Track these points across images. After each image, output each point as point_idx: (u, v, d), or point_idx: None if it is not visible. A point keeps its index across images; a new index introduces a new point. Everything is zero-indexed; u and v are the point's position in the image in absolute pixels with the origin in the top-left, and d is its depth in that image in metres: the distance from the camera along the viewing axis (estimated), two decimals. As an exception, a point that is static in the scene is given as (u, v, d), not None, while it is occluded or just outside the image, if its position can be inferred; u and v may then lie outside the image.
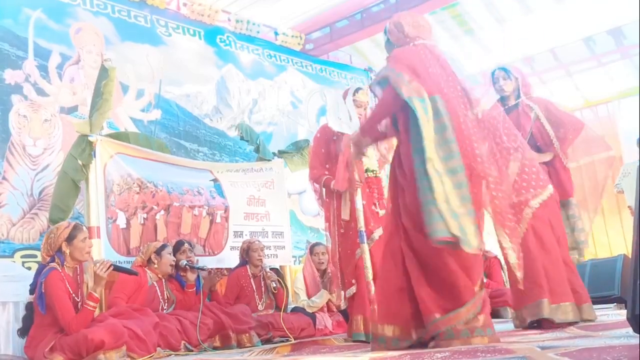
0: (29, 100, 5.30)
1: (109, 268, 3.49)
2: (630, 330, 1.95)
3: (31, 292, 3.55)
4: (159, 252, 4.26)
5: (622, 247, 7.21)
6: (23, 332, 3.57)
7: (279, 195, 5.80)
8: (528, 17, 7.40)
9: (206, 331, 4.04)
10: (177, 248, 4.50)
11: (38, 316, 3.45)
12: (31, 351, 3.40)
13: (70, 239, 3.47)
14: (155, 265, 4.24)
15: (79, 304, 3.47)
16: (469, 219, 2.52)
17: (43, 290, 3.33)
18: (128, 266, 4.19)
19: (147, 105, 6.25)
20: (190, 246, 4.71)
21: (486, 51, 8.02)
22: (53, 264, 3.44)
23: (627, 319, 1.84)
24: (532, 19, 7.41)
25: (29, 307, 3.59)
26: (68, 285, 3.44)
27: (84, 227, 3.68)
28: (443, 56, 2.86)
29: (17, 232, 4.96)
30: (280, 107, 7.61)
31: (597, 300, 5.20)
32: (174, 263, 4.31)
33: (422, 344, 2.68)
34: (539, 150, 3.87)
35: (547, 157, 3.83)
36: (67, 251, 3.47)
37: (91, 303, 3.41)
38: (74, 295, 3.47)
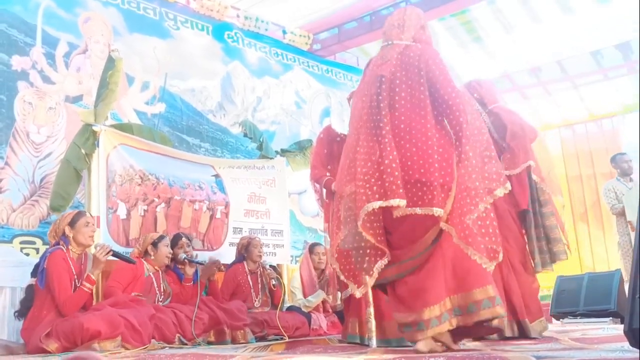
0: (34, 88, 5.30)
1: (108, 253, 3.62)
2: (626, 344, 1.95)
3: (33, 274, 3.63)
4: (155, 244, 4.26)
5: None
6: (20, 314, 3.61)
7: (280, 194, 5.80)
8: (536, 27, 7.40)
9: (201, 325, 4.04)
10: (175, 242, 4.50)
11: (37, 298, 3.51)
12: (27, 334, 3.42)
13: (73, 222, 3.63)
14: (152, 257, 4.24)
15: (75, 288, 3.51)
16: None
17: (45, 266, 3.45)
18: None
19: (151, 98, 6.24)
20: (189, 240, 4.70)
21: (494, 59, 8.02)
22: (58, 246, 3.57)
23: (624, 332, 1.83)
24: (540, 30, 7.41)
25: (29, 290, 3.63)
26: (72, 266, 3.53)
27: (88, 214, 3.84)
28: (411, 56, 2.74)
29: (17, 218, 4.96)
30: (284, 107, 7.60)
31: (593, 314, 5.22)
32: (170, 255, 4.31)
33: None
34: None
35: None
36: (71, 235, 3.61)
37: (87, 284, 3.52)
38: (74, 278, 3.54)
